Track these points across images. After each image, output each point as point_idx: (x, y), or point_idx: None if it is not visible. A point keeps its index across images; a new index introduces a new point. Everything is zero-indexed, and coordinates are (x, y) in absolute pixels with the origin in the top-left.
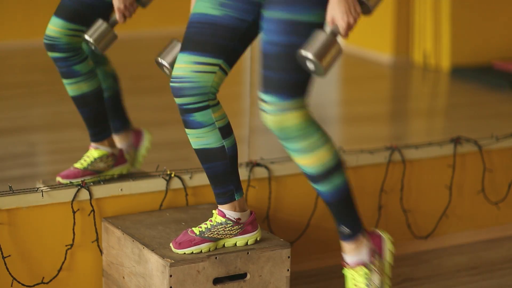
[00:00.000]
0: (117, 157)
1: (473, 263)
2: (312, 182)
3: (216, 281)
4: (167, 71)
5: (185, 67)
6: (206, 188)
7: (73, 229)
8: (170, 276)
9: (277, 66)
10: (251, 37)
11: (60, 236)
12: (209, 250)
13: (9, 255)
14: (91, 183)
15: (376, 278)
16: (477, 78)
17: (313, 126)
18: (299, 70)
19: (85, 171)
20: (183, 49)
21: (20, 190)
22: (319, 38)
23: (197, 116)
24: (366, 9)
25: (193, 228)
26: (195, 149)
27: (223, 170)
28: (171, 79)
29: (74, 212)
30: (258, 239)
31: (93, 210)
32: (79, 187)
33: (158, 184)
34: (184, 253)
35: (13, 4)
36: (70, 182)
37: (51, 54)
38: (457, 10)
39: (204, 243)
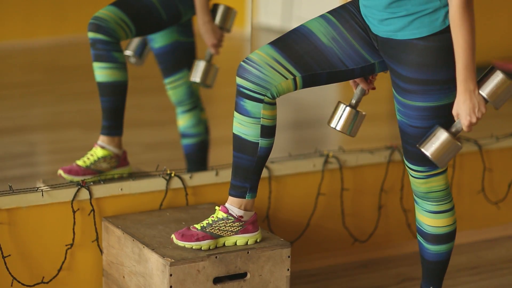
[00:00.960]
0: (120, 159)
1: (473, 263)
2: (425, 240)
3: (216, 280)
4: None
5: (265, 57)
6: (206, 188)
7: (73, 229)
8: (170, 275)
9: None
10: (339, 78)
11: (60, 236)
12: (209, 248)
13: (9, 255)
14: (91, 183)
15: None
16: (477, 77)
17: (449, 189)
18: None
19: (87, 170)
20: (272, 44)
21: (20, 189)
22: (439, 137)
23: (248, 104)
24: (492, 106)
25: (195, 225)
26: (233, 133)
27: (247, 166)
28: (244, 59)
29: (74, 212)
30: (258, 240)
31: (93, 210)
32: (79, 186)
33: (158, 183)
34: (184, 246)
35: (13, 4)
36: (71, 181)
37: (94, 35)
38: None
39: (205, 239)
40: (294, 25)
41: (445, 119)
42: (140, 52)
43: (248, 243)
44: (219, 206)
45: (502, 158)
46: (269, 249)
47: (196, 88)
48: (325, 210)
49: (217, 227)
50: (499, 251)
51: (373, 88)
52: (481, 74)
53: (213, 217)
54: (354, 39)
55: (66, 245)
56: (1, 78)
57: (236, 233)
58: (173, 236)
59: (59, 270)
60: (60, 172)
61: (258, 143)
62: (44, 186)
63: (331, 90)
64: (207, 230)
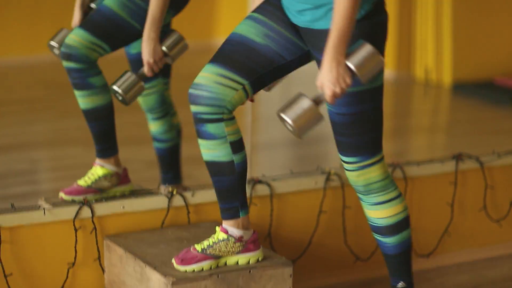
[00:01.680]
0: (121, 177)
1: (475, 281)
2: (380, 234)
3: None
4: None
5: (209, 76)
6: (208, 206)
7: (75, 247)
8: None
9: (350, 133)
10: (283, 73)
11: (62, 254)
12: (210, 268)
13: (11, 274)
14: (93, 201)
15: None
16: (479, 94)
17: (390, 178)
18: (373, 130)
19: (89, 189)
20: (212, 61)
21: (22, 207)
22: (301, 104)
23: (210, 127)
24: (358, 80)
25: (195, 245)
26: (205, 161)
27: (230, 185)
28: (191, 86)
29: (76, 230)
30: (260, 259)
31: (95, 228)
32: (81, 204)
33: (160, 201)
34: (186, 271)
35: (15, 20)
36: (73, 200)
37: (66, 64)
38: (459, 26)
39: (206, 260)
40: None
41: (371, 105)
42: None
43: (250, 262)
44: (219, 227)
45: (504, 176)
46: (271, 268)
47: (168, 95)
48: (327, 228)
49: (217, 249)
50: (501, 270)
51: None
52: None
53: (213, 238)
54: (285, 30)
55: (68, 264)
56: (2, 95)
57: (238, 253)
58: (173, 261)
59: None
60: (61, 195)
61: (232, 160)
62: (46, 204)
63: None
64: (208, 252)
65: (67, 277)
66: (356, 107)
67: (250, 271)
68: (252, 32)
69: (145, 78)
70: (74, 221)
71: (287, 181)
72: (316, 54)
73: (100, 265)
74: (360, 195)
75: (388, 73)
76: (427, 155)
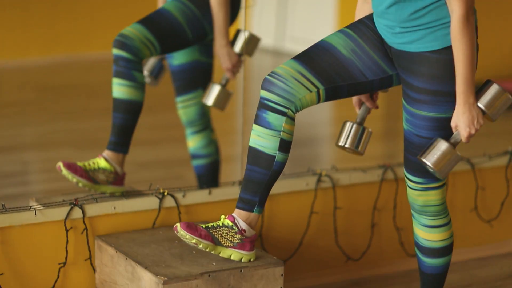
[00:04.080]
0: (118, 178)
1: (466, 281)
2: (422, 253)
3: None
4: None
5: (288, 70)
6: (199, 207)
7: (66, 247)
8: None
9: None
10: (361, 91)
11: (53, 254)
12: (205, 249)
13: (2, 273)
14: (84, 202)
15: None
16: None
17: (445, 204)
18: None
19: (85, 173)
20: (295, 58)
21: (13, 208)
22: (439, 147)
23: (270, 116)
24: (489, 118)
25: (200, 223)
26: (249, 146)
27: (260, 179)
28: (269, 73)
29: (67, 230)
30: (252, 259)
31: (86, 228)
32: (72, 205)
33: (151, 202)
34: (185, 237)
35: (4, 23)
36: (63, 200)
37: (118, 52)
38: None
39: (206, 239)
40: (288, 45)
41: (451, 131)
42: (157, 73)
43: (242, 261)
44: (225, 216)
45: (494, 177)
46: (262, 267)
47: (208, 109)
48: (318, 228)
49: (219, 232)
50: (492, 269)
51: (377, 107)
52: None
53: (219, 222)
54: (372, 51)
55: (59, 264)
56: None
57: (234, 246)
58: (178, 224)
59: None
60: (60, 164)
61: (275, 156)
62: (37, 204)
63: (324, 110)
64: (211, 231)
65: (58, 276)
66: (436, 132)
67: (241, 270)
68: (340, 44)
69: (185, 89)
70: (65, 222)
71: (278, 182)
72: (404, 76)
73: (91, 265)
74: (413, 213)
75: None
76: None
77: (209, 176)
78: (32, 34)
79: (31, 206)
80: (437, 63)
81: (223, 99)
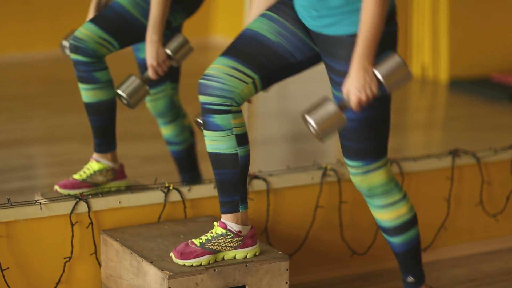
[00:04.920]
0: (116, 172)
1: (471, 275)
2: (387, 235)
3: None
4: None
5: (221, 68)
6: (204, 201)
7: (72, 242)
8: None
9: (358, 138)
10: (293, 72)
11: (59, 249)
12: (209, 263)
13: (7, 268)
14: (89, 196)
15: None
16: (475, 90)
17: (395, 181)
18: (378, 136)
19: (83, 183)
20: (224, 54)
21: (18, 202)
22: (326, 108)
23: (217, 119)
24: (383, 90)
25: (193, 240)
26: (208, 153)
27: (232, 179)
28: (202, 76)
29: (72, 225)
30: (257, 253)
31: (91, 223)
32: (78, 199)
33: (156, 196)
34: (184, 265)
35: (10, 16)
36: (69, 194)
37: (74, 56)
38: (455, 23)
39: (204, 255)
40: None
41: (379, 111)
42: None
43: (247, 257)
44: (217, 222)
45: (500, 171)
46: (267, 262)
47: (177, 99)
48: (324, 223)
49: (216, 243)
50: (497, 264)
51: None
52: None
53: (211, 232)
54: (297, 29)
55: (64, 258)
56: None
57: (235, 248)
58: (171, 254)
59: (57, 283)
60: (56, 187)
61: (237, 153)
62: (42, 199)
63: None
64: (206, 246)
65: (63, 271)
66: (363, 114)
67: (246, 265)
68: (265, 29)
69: (153, 83)
70: (70, 216)
71: (283, 176)
72: (325, 59)
73: (97, 259)
74: (365, 197)
75: None
76: (424, 151)
77: (187, 160)
78: (37, 27)
79: (36, 200)
80: (354, 46)
81: (138, 95)
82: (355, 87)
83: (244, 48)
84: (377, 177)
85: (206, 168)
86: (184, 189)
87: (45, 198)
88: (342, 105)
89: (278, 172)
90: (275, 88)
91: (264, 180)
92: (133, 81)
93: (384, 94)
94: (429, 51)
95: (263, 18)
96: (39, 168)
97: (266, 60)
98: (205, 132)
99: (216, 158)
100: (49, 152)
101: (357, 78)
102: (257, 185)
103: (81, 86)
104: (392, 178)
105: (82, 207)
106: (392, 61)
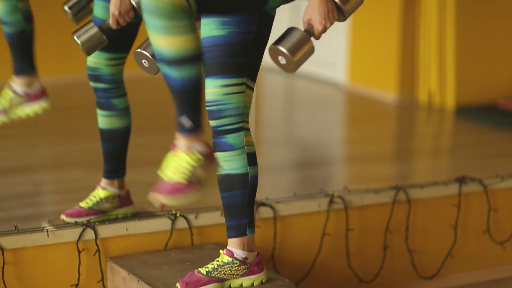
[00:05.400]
0: (123, 199)
1: None
2: (166, 64)
3: None
4: (145, 63)
5: (216, 91)
6: (211, 228)
7: (79, 269)
8: None
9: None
10: (262, 45)
11: (66, 276)
12: None
13: None
14: (97, 223)
15: (201, 170)
16: (482, 117)
17: (185, 13)
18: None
19: (90, 211)
20: (207, 75)
21: (25, 229)
22: (294, 35)
23: (230, 138)
24: (341, 16)
25: (200, 269)
26: (219, 175)
27: (241, 201)
28: (207, 103)
29: (79, 252)
30: (263, 280)
31: (98, 250)
32: (85, 226)
33: (163, 223)
34: None
35: None
36: (75, 222)
37: (94, 85)
38: (462, 50)
39: (210, 283)
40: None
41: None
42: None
43: (254, 284)
44: (223, 250)
45: (507, 198)
46: None
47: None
48: (330, 250)
49: (222, 271)
50: None
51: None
52: None
53: (218, 261)
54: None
55: (71, 286)
56: None
57: (242, 275)
58: (177, 285)
59: None
60: (63, 217)
61: (247, 173)
62: (50, 226)
63: (336, 130)
64: (213, 275)
65: None
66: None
67: None
68: (212, 28)
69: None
70: (77, 243)
71: (290, 203)
72: None
73: (104, 286)
74: (144, 14)
75: (392, 96)
76: (430, 178)
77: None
78: (45, 54)
79: (43, 227)
80: None
81: (95, 42)
82: (318, 15)
83: (215, 60)
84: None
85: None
86: (191, 216)
87: (52, 225)
88: (308, 32)
89: (285, 199)
90: (282, 115)
91: (271, 207)
92: (90, 28)
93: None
94: (436, 78)
95: (204, 19)
96: (46, 195)
97: (237, 57)
98: (217, 154)
99: (227, 180)
100: (56, 179)
101: (319, 7)
102: (264, 212)
103: (98, 112)
104: (183, 9)
105: (89, 234)
106: None
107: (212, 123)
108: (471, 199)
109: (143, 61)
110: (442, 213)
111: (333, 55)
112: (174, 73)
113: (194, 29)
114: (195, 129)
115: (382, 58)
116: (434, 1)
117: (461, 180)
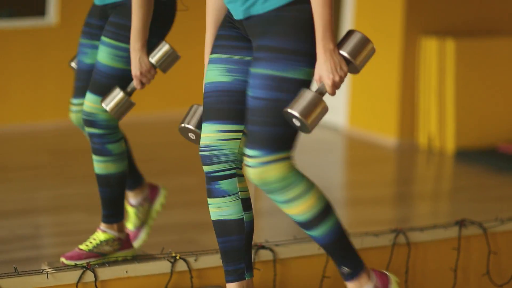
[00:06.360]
0: (123, 242)
1: None
2: (304, 229)
3: None
4: (192, 136)
5: (211, 136)
6: (211, 271)
7: None
8: None
9: (262, 121)
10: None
11: None
12: None
13: None
14: (96, 265)
15: None
16: (482, 160)
17: (296, 176)
18: (284, 125)
19: (90, 253)
20: (205, 119)
21: (25, 271)
22: (305, 97)
23: (223, 184)
24: (353, 68)
25: None
26: (213, 221)
27: (238, 246)
28: (200, 148)
29: None
30: None
31: None
32: (84, 269)
33: (163, 266)
34: None
35: (18, 87)
36: (75, 264)
37: (89, 130)
38: (461, 94)
39: None
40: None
41: (289, 95)
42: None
43: None
44: None
45: (507, 241)
46: None
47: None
48: None
49: None
50: None
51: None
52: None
53: None
54: (241, 55)
55: None
56: (7, 161)
57: None
58: None
59: None
60: (62, 259)
61: (242, 219)
62: (49, 268)
63: (337, 174)
64: None
65: None
66: (273, 93)
67: None
68: (217, 75)
69: (84, 93)
70: (77, 286)
71: (290, 246)
72: (258, 42)
73: None
74: (266, 194)
75: (392, 140)
76: (430, 221)
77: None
78: (45, 97)
79: (43, 270)
80: (275, 19)
81: (123, 108)
82: (326, 71)
83: (216, 106)
84: (271, 172)
85: (211, 237)
86: (191, 259)
87: (52, 268)
88: (319, 92)
89: (284, 242)
90: None
91: (271, 250)
92: (117, 94)
93: (280, 69)
94: (436, 122)
95: (211, 65)
96: (46, 238)
97: (238, 104)
98: (210, 201)
99: (221, 226)
100: (56, 222)
101: (325, 62)
102: (263, 255)
103: (94, 157)
104: (293, 174)
105: (89, 276)
106: (354, 38)
107: (205, 168)
108: (471, 242)
109: (190, 134)
110: (442, 256)
111: (334, 99)
112: (315, 232)
113: (312, 184)
114: (356, 273)
115: (382, 102)
116: (434, 46)
117: (461, 223)
